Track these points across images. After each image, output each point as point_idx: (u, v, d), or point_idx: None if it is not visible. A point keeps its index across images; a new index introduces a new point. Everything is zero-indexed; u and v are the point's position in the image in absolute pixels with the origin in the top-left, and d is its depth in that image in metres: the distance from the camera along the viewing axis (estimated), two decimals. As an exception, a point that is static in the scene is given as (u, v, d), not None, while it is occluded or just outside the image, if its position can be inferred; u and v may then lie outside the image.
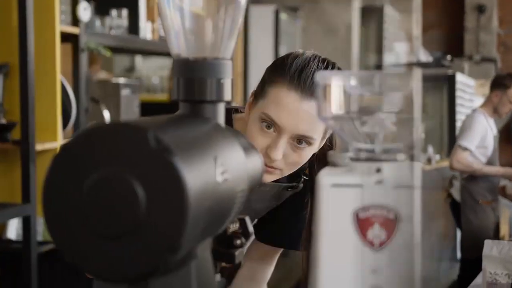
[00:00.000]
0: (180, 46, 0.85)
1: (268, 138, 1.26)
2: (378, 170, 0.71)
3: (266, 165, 1.26)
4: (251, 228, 0.98)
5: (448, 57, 6.48)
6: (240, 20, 0.86)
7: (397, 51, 5.84)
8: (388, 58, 5.76)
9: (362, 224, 0.70)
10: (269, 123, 1.25)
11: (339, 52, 5.63)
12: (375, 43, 7.24)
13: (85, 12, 2.71)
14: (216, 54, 0.85)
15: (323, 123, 1.23)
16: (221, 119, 0.84)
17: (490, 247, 2.02)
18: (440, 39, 8.09)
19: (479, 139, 4.42)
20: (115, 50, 3.36)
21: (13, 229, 2.55)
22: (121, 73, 5.08)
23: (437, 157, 6.12)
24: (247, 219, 0.97)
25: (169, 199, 0.62)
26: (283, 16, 5.39)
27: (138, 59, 5.51)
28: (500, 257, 1.97)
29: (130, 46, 3.22)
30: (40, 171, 2.44)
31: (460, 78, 7.04)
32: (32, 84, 2.41)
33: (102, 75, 3.97)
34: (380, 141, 0.74)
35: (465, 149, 4.37)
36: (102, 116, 2.98)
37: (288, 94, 1.24)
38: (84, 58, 2.75)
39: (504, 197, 4.91)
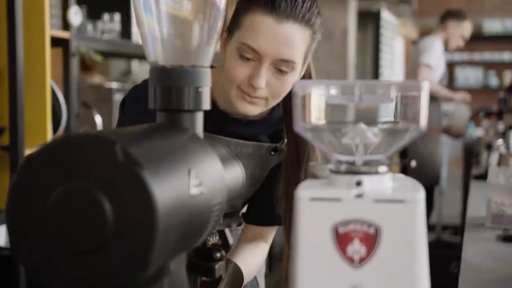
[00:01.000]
0: (157, 53, 0.82)
1: (249, 68, 1.24)
2: (359, 183, 0.69)
3: (250, 95, 1.25)
4: (231, 240, 0.95)
5: None
6: (220, 25, 0.84)
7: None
8: None
9: (341, 239, 0.68)
10: (248, 53, 1.23)
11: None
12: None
13: (76, 16, 2.68)
14: (194, 61, 0.82)
15: (303, 46, 1.24)
16: (199, 128, 0.82)
17: (495, 175, 1.87)
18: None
19: (437, 59, 4.51)
20: (108, 54, 3.33)
21: (2, 236, 2.52)
22: (117, 77, 5.06)
23: None
24: (227, 231, 0.94)
25: (137, 214, 0.59)
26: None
27: (135, 63, 5.49)
28: (508, 185, 1.83)
29: (122, 51, 3.19)
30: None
31: (385, 15, 7.13)
32: (21, 89, 2.38)
33: (97, 79, 3.94)
34: (360, 152, 0.71)
35: (428, 66, 4.44)
36: (93, 121, 2.95)
37: (263, 19, 1.21)
38: (75, 62, 2.72)
39: (446, 132, 4.98)
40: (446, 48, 4.69)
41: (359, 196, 0.68)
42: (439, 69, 4.61)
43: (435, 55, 4.51)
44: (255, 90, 1.24)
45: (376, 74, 7.30)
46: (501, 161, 2.91)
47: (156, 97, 0.81)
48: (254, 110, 1.28)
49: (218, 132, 1.36)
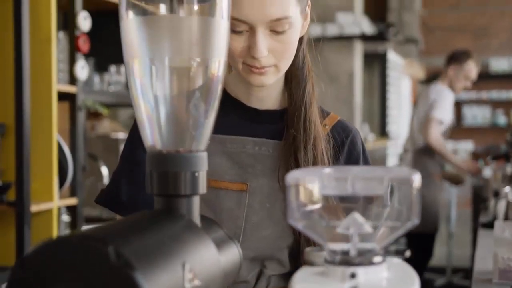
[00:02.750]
0: (154, 138, 0.83)
1: (245, 40, 1.15)
2: (353, 276, 0.69)
3: (256, 67, 1.16)
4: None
5: (392, 29, 6.49)
6: (214, 113, 0.84)
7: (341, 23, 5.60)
8: (331, 29, 5.50)
9: (336, 333, 0.67)
10: (238, 26, 1.14)
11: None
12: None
13: (82, 70, 2.72)
14: (191, 146, 0.83)
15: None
16: (195, 212, 0.82)
17: (501, 229, 1.82)
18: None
19: (449, 113, 4.47)
20: (115, 105, 3.37)
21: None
22: (126, 121, 5.10)
23: (372, 136, 6.25)
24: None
25: (129, 317, 0.59)
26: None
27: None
28: None
29: (129, 102, 3.22)
30: (35, 233, 2.42)
31: (391, 56, 7.17)
32: (27, 145, 2.41)
33: (105, 124, 3.97)
34: (355, 242, 0.71)
35: (440, 121, 4.38)
36: (100, 173, 2.97)
37: None
38: (81, 116, 2.75)
39: (448, 180, 4.94)
40: (453, 91, 4.69)
41: (354, 289, 0.68)
42: (448, 119, 4.60)
43: (447, 108, 4.47)
44: (259, 60, 1.16)
45: (383, 116, 7.32)
46: (509, 209, 2.89)
47: (153, 182, 0.81)
48: (267, 80, 1.19)
49: (231, 127, 1.26)
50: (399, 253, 0.75)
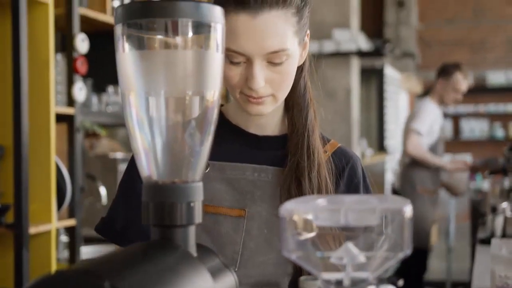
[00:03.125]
0: (150, 169, 0.85)
1: (241, 70, 1.15)
2: (347, 305, 0.70)
3: (254, 97, 1.16)
4: None
5: (388, 45, 6.52)
6: (209, 143, 0.86)
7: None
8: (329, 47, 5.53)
9: None
10: (235, 57, 1.14)
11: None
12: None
13: (80, 92, 2.73)
14: (186, 177, 0.84)
15: (289, 28, 1.14)
16: (191, 242, 0.83)
17: (498, 246, 1.82)
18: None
19: (429, 125, 4.51)
20: (113, 125, 3.38)
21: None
22: (125, 139, 5.11)
23: (370, 151, 6.28)
24: None
25: None
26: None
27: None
28: (511, 257, 1.77)
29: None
30: (34, 255, 2.42)
31: (388, 71, 7.22)
32: (26, 167, 2.42)
33: (104, 142, 3.98)
34: (348, 272, 0.72)
35: (417, 132, 4.43)
36: (98, 193, 2.97)
37: (237, 18, 1.13)
38: (79, 137, 2.76)
39: (445, 189, 4.94)
40: (444, 104, 4.72)
41: (347, 319, 0.69)
42: (433, 132, 4.62)
43: (426, 121, 4.53)
44: (256, 91, 1.16)
45: (380, 130, 7.34)
46: (507, 224, 2.90)
47: (149, 213, 0.83)
48: (264, 109, 1.19)
49: (231, 154, 1.27)
50: (392, 281, 0.76)
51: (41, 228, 2.51)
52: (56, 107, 2.62)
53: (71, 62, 2.73)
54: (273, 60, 1.14)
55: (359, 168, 1.32)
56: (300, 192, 1.22)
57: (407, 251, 0.71)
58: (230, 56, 1.14)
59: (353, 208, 0.72)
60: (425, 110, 4.57)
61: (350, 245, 0.72)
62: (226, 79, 1.18)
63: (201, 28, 0.81)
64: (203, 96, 0.84)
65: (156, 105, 0.83)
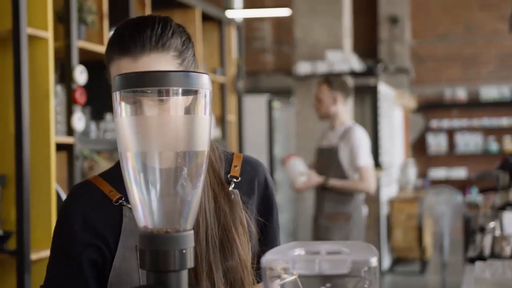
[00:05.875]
0: (145, 220, 0.94)
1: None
2: None
3: None
4: None
5: (380, 65, 6.59)
6: (199, 194, 0.95)
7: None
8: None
9: None
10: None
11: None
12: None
13: (79, 122, 2.83)
14: (179, 226, 0.93)
15: (171, 68, 1.22)
16: (184, 285, 0.92)
17: (482, 269, 1.85)
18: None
19: None
20: (111, 151, 3.47)
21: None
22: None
23: None
24: None
25: None
26: (276, 104, 5.54)
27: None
28: (494, 279, 1.80)
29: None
30: (35, 281, 2.50)
31: (382, 88, 7.33)
32: (27, 196, 2.51)
33: (103, 165, 4.06)
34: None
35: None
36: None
37: (121, 62, 1.22)
38: (78, 165, 2.85)
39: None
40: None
41: None
42: None
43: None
44: None
45: (375, 147, 7.43)
46: (495, 244, 2.98)
47: (145, 259, 0.92)
48: None
49: None
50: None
51: (43, 254, 2.59)
52: (56, 136, 2.71)
53: (70, 93, 2.83)
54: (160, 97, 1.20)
55: (268, 175, 1.41)
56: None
57: (374, 296, 0.80)
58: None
59: (326, 259, 0.81)
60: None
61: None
62: None
63: (190, 94, 0.91)
64: (193, 153, 0.93)
65: (151, 162, 0.92)
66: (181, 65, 1.27)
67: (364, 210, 4.30)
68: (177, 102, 0.90)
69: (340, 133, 3.98)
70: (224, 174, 1.34)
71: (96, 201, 1.31)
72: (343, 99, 4.01)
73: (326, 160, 3.99)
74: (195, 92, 0.92)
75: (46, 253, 2.63)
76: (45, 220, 2.63)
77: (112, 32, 1.29)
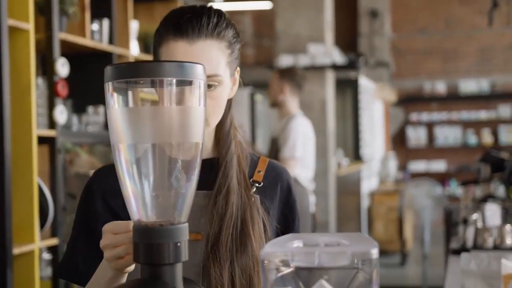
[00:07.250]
0: (139, 213, 0.92)
1: None
2: (319, 338, 0.78)
3: None
4: None
5: (362, 59, 6.62)
6: (193, 187, 0.94)
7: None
8: None
9: None
10: None
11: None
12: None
13: (61, 115, 2.79)
14: (173, 219, 0.92)
15: (221, 58, 1.25)
16: (178, 278, 0.91)
17: (468, 261, 1.85)
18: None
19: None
20: (93, 144, 3.44)
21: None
22: (104, 151, 5.13)
23: (346, 161, 6.40)
24: None
25: None
26: (258, 97, 5.53)
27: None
28: (480, 271, 1.80)
29: (106, 141, 3.29)
30: (17, 275, 2.47)
31: (362, 82, 7.39)
32: (9, 189, 2.47)
33: (83, 158, 4.02)
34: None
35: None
36: (79, 212, 3.02)
37: (176, 44, 1.24)
38: (60, 158, 2.82)
39: None
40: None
41: None
42: None
43: None
44: None
45: (356, 140, 7.46)
46: (478, 235, 3.00)
47: (139, 253, 0.90)
48: None
49: None
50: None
51: (24, 248, 2.56)
52: (38, 130, 2.68)
53: (52, 86, 2.79)
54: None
55: (291, 182, 1.41)
56: (212, 215, 1.27)
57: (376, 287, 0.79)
58: None
59: (326, 251, 0.80)
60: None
61: (324, 282, 0.80)
62: None
63: (184, 85, 0.89)
64: (187, 145, 0.92)
65: (144, 154, 0.91)
66: (231, 56, 1.29)
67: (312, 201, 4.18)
68: (171, 92, 0.89)
69: (283, 123, 4.04)
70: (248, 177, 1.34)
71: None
72: (292, 90, 4.07)
73: (272, 150, 4.05)
74: (190, 83, 0.90)
75: (28, 247, 2.60)
76: (27, 214, 2.60)
77: (163, 18, 1.28)
